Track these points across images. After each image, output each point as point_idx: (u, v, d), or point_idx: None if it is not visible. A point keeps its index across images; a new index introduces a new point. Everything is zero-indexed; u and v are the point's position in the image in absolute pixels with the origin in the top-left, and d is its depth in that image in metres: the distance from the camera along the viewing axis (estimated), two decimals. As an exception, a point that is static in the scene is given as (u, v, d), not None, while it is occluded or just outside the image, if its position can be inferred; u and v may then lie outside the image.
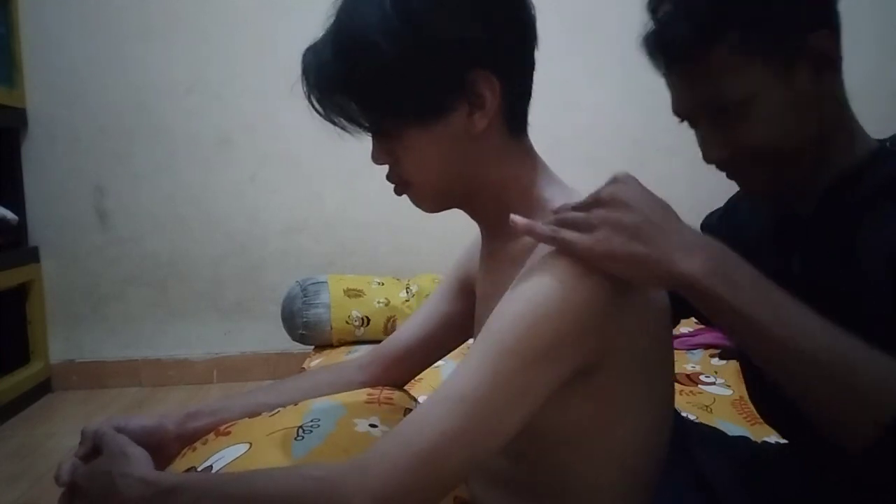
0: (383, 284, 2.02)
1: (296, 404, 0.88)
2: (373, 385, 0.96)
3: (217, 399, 0.91)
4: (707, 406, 1.41)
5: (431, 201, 0.75)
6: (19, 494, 1.73)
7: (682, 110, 0.76)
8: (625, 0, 2.41)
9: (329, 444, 0.76)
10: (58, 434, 2.12)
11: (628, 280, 0.60)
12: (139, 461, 0.68)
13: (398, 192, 0.75)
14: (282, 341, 2.13)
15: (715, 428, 1.03)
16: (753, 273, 0.59)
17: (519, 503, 0.73)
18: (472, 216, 0.77)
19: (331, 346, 1.87)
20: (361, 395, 0.92)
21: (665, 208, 0.61)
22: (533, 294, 0.60)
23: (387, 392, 0.94)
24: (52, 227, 2.50)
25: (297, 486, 0.59)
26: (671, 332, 0.72)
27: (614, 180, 0.62)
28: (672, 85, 0.76)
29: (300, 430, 0.79)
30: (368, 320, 1.87)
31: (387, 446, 0.58)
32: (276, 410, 0.87)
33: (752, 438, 1.02)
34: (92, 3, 2.44)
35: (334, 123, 0.71)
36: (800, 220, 0.77)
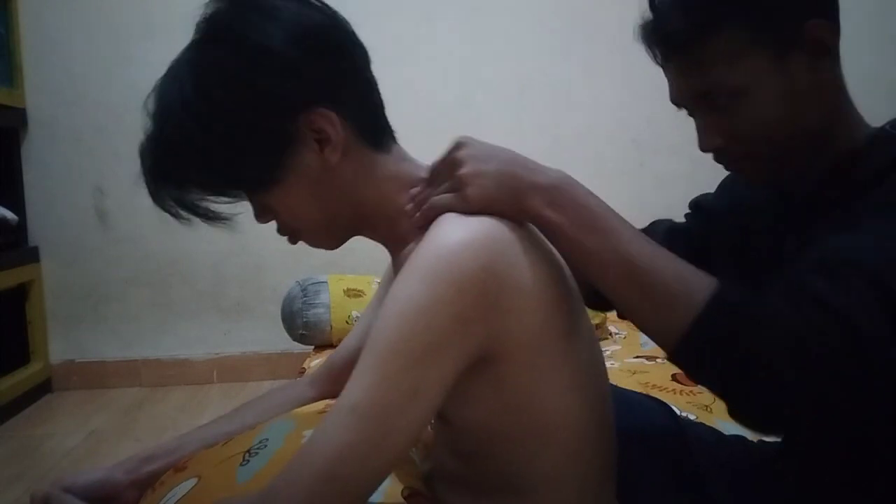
0: (383, 284, 2.02)
1: (252, 428, 0.88)
2: (329, 397, 0.96)
3: (174, 437, 0.91)
4: (707, 406, 1.40)
5: (326, 239, 0.76)
6: (19, 494, 1.73)
7: (680, 100, 0.76)
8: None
9: (273, 464, 0.76)
10: (58, 434, 2.12)
11: (510, 218, 0.63)
12: None
13: (292, 241, 0.76)
14: (282, 341, 2.13)
15: (711, 427, 1.03)
16: (587, 200, 0.65)
17: (480, 501, 0.72)
18: (372, 238, 0.78)
19: (331, 346, 1.87)
20: (317, 406, 0.93)
21: (509, 152, 0.67)
22: (404, 292, 0.59)
23: None
24: (52, 227, 2.50)
25: None
26: (583, 307, 0.70)
27: (458, 146, 0.67)
28: (669, 75, 0.76)
29: (246, 455, 0.79)
30: (368, 320, 1.87)
31: (292, 468, 0.59)
32: (231, 437, 0.87)
33: (749, 438, 1.02)
34: (92, 3, 2.44)
35: (188, 217, 0.71)
36: (797, 201, 0.77)
